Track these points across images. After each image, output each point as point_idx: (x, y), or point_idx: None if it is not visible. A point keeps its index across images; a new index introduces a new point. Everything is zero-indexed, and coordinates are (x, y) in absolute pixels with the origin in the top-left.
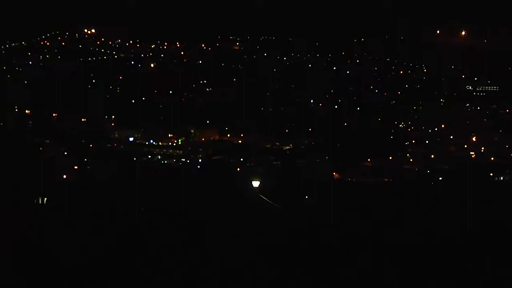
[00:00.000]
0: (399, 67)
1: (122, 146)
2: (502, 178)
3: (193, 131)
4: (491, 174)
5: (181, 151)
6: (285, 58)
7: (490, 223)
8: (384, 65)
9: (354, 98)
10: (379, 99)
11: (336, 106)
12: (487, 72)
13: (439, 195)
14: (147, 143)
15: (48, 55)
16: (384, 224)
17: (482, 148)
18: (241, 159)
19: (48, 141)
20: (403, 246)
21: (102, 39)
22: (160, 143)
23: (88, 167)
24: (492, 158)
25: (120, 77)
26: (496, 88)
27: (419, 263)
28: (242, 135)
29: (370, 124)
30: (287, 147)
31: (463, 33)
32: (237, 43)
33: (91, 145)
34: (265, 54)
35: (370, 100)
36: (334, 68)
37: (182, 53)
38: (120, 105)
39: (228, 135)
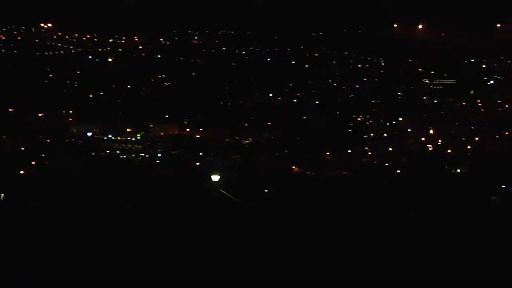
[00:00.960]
0: (357, 61)
1: (80, 141)
2: (458, 170)
3: (152, 125)
4: (448, 167)
5: (140, 146)
6: (244, 53)
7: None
8: (343, 59)
9: (313, 92)
10: (338, 93)
11: (295, 100)
12: (443, 66)
13: (398, 188)
14: (105, 138)
15: (4, 49)
16: (346, 216)
17: (439, 141)
18: (201, 154)
19: (4, 137)
20: (363, 238)
21: (59, 34)
22: (119, 137)
23: (46, 162)
24: (449, 151)
25: (78, 72)
26: (453, 81)
27: (378, 254)
28: (201, 129)
29: (329, 118)
30: (247, 141)
31: (420, 27)
32: (196, 37)
33: (48, 140)
34: (224, 48)
35: (329, 94)
36: (293, 62)
37: (140, 47)
38: (78, 99)
39: (188, 130)
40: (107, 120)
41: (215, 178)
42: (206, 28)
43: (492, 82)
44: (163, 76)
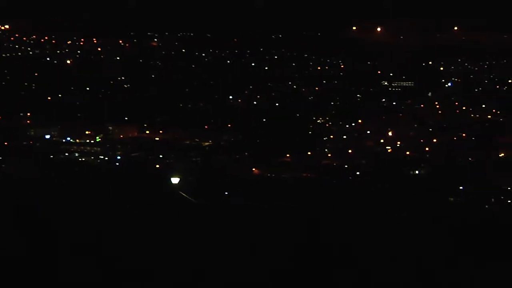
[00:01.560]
0: (316, 64)
1: (38, 144)
2: (417, 172)
3: (111, 127)
4: (407, 168)
5: (99, 148)
6: (203, 55)
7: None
8: (302, 61)
9: (273, 94)
10: (298, 96)
11: (255, 103)
12: (402, 68)
13: (358, 190)
14: (64, 140)
15: None
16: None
17: (398, 142)
18: (160, 156)
19: None
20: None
21: (16, 35)
22: (77, 140)
23: (3, 166)
24: (408, 153)
25: (36, 74)
26: (411, 84)
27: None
28: (161, 131)
29: (289, 120)
30: (207, 144)
31: (379, 29)
32: (155, 40)
33: (5, 143)
34: (183, 51)
35: (288, 96)
36: (253, 64)
37: (99, 49)
38: (36, 102)
39: (147, 132)
40: (66, 123)
41: (175, 180)
42: (165, 30)
43: (449, 84)
44: (122, 78)
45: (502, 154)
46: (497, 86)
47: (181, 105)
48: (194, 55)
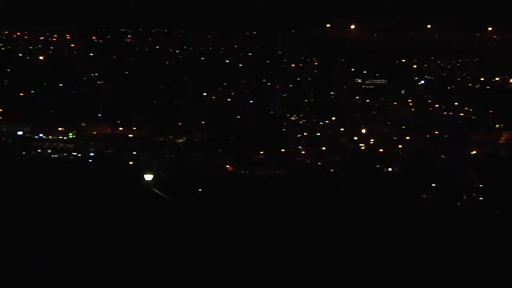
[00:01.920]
0: (290, 61)
1: (10, 140)
2: (390, 169)
3: (84, 124)
4: (380, 165)
5: (72, 145)
6: (177, 51)
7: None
8: (276, 58)
9: (247, 91)
10: (272, 93)
11: (229, 100)
12: (375, 66)
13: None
14: (36, 137)
15: None
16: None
17: (372, 140)
18: (134, 153)
19: None
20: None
21: None
22: (50, 136)
23: None
24: (381, 150)
25: (8, 70)
26: (385, 81)
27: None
28: (134, 128)
29: (263, 117)
30: (180, 140)
31: (353, 27)
32: (129, 36)
33: None
34: (157, 47)
35: (262, 93)
36: (227, 61)
37: (72, 45)
38: (8, 98)
39: (121, 129)
40: (38, 119)
41: (148, 177)
42: (139, 27)
43: (422, 82)
44: (96, 74)
45: (474, 152)
46: (470, 84)
47: (154, 101)
48: (168, 52)
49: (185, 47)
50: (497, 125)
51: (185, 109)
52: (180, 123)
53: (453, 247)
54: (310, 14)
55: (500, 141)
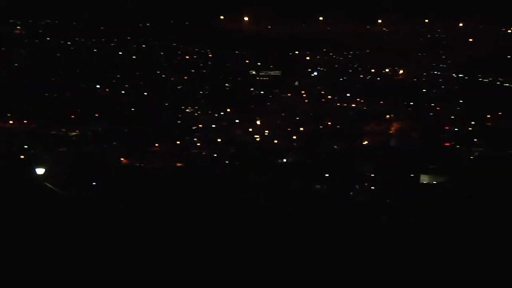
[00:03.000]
0: (185, 53)
1: None
2: (285, 160)
3: None
4: (275, 157)
5: None
6: (69, 43)
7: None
8: (171, 50)
9: (141, 83)
10: (166, 85)
11: (123, 92)
12: (269, 57)
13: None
14: None
15: None
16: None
17: (266, 131)
18: (25, 146)
19: None
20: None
21: None
22: None
23: None
24: (276, 141)
25: None
26: (279, 73)
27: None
28: (25, 121)
29: (158, 109)
30: (74, 133)
31: (246, 19)
32: (18, 27)
33: None
34: (48, 39)
35: (157, 85)
36: (120, 53)
37: None
38: None
39: (11, 122)
40: None
41: (40, 171)
42: (29, 18)
43: (315, 73)
44: None
45: (366, 142)
46: (361, 76)
47: (46, 94)
48: (60, 43)
49: (76, 38)
50: (388, 116)
51: (78, 101)
52: (73, 116)
53: (346, 237)
54: (205, 6)
55: (391, 131)
